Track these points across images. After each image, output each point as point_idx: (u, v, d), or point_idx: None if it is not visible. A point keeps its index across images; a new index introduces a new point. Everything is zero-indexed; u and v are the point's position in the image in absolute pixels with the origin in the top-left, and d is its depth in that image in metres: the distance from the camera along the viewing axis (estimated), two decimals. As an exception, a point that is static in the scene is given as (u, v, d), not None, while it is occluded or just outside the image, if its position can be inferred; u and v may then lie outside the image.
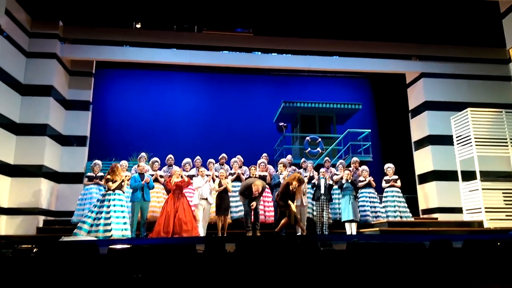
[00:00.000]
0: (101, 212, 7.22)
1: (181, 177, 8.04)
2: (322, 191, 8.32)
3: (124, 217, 7.39)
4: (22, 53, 9.62)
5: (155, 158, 8.96)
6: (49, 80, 9.84)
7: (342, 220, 8.32)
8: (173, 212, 7.71)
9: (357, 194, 8.54)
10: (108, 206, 7.27)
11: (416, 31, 11.29)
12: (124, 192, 7.67)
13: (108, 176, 7.51)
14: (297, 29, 11.29)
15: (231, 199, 8.51)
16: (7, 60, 8.98)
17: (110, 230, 7.06)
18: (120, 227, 7.22)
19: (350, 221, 8.17)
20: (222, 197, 8.04)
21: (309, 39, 11.38)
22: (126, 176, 7.96)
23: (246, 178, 8.45)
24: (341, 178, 8.74)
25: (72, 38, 10.60)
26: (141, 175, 8.05)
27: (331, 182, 8.50)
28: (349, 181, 8.33)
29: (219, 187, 8.09)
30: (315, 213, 8.45)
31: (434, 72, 11.43)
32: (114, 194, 7.44)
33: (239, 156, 9.31)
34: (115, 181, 7.47)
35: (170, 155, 9.31)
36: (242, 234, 7.93)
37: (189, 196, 8.28)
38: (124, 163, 8.80)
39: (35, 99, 9.63)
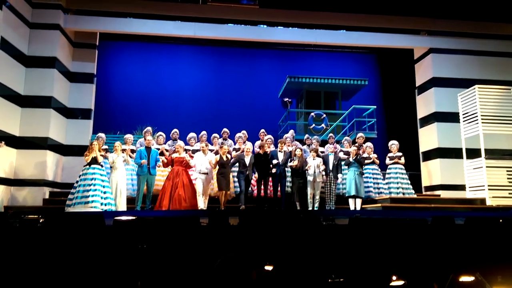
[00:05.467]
0: (79, 186, 7.42)
1: (185, 151, 8.09)
2: (330, 167, 8.30)
3: (103, 192, 7.49)
4: (25, 24, 9.51)
5: (160, 132, 8.98)
6: (53, 51, 9.77)
7: (346, 196, 8.35)
8: (170, 187, 7.77)
9: (363, 170, 8.52)
10: (85, 180, 7.43)
11: (425, 5, 11.03)
12: (102, 166, 7.73)
13: (86, 152, 7.69)
14: (304, 2, 11.05)
15: (233, 174, 8.55)
16: (10, 31, 8.88)
17: (89, 202, 7.22)
18: (99, 199, 7.32)
19: (354, 197, 8.21)
20: (223, 173, 8.01)
21: (316, 13, 11.15)
22: (102, 150, 8.07)
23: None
24: (349, 154, 8.74)
25: (75, 8, 10.43)
26: (148, 148, 8.10)
27: (338, 160, 8.48)
28: (354, 158, 8.32)
29: (218, 159, 8.04)
30: (323, 189, 8.47)
31: (443, 47, 11.21)
32: (90, 168, 7.53)
33: (244, 131, 9.29)
34: (88, 156, 7.61)
35: (176, 130, 9.32)
36: (246, 208, 8.05)
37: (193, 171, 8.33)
38: (129, 136, 8.83)
39: (39, 71, 9.58)
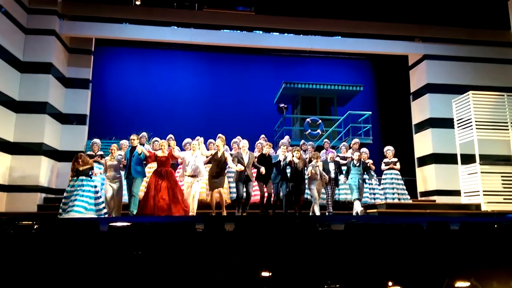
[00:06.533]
0: (68, 197, 7.28)
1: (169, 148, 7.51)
2: (332, 175, 8.14)
3: (87, 202, 7.23)
4: (20, 29, 9.49)
5: (156, 138, 8.93)
6: (48, 57, 9.74)
7: (353, 199, 8.09)
8: (153, 191, 7.18)
9: (363, 176, 8.24)
10: (71, 191, 7.27)
11: (420, 12, 11.14)
12: (91, 178, 7.47)
13: (75, 163, 7.46)
14: (299, 8, 11.12)
15: (230, 179, 8.38)
16: (5, 36, 8.87)
17: (71, 212, 7.05)
18: (81, 209, 7.12)
19: (357, 200, 7.97)
20: (217, 173, 7.40)
21: (311, 19, 11.22)
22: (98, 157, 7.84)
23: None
24: (346, 159, 8.66)
25: (70, 14, 10.45)
26: (132, 149, 7.53)
27: (339, 166, 8.28)
28: (359, 165, 8.08)
29: (213, 156, 7.43)
30: (322, 194, 8.27)
31: (437, 54, 11.30)
32: (78, 180, 7.34)
33: (239, 137, 9.28)
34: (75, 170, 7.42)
35: (171, 135, 9.27)
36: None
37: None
38: (124, 142, 8.78)
39: (35, 77, 9.55)
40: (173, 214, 7.08)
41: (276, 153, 8.77)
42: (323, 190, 8.22)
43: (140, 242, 4.20)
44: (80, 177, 7.39)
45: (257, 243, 4.36)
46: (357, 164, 8.15)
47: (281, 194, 7.79)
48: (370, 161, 9.02)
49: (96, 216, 7.24)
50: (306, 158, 8.43)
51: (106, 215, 7.43)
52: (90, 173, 7.54)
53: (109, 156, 7.77)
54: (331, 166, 8.24)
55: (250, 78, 14.22)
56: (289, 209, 7.81)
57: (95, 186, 7.53)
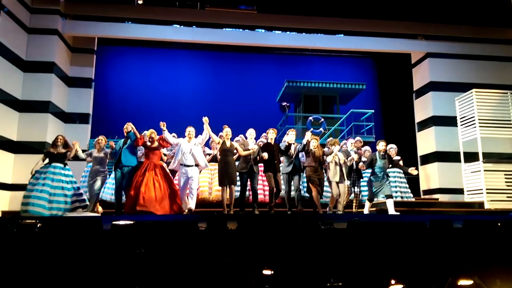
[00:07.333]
0: (31, 190, 6.58)
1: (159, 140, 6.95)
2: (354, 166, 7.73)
3: (52, 194, 6.51)
4: (23, 29, 9.52)
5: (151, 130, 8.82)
6: (51, 56, 9.77)
7: (367, 198, 7.78)
8: (143, 187, 6.54)
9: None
10: (37, 178, 6.60)
11: (422, 10, 11.10)
12: (65, 166, 6.76)
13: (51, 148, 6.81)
14: (302, 6, 11.11)
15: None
16: (8, 36, 8.90)
17: (27, 204, 6.38)
18: (41, 203, 6.40)
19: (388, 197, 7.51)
20: (227, 162, 6.90)
21: (314, 17, 11.20)
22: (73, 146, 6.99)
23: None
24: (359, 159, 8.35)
25: (73, 14, 10.47)
26: (126, 138, 7.06)
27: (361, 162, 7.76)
28: (384, 156, 7.44)
29: (221, 145, 6.95)
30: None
31: (440, 52, 11.26)
32: (49, 167, 6.69)
33: (241, 136, 9.27)
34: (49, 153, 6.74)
35: (174, 134, 9.29)
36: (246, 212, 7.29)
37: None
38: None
39: (37, 76, 9.58)
40: (167, 212, 6.62)
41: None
42: (327, 189, 7.85)
43: (143, 241, 4.22)
44: (53, 164, 6.68)
45: (259, 241, 4.36)
46: (384, 156, 7.54)
47: (285, 188, 7.24)
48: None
49: (67, 213, 6.60)
50: (334, 146, 7.69)
51: (85, 212, 6.80)
52: (65, 161, 6.81)
53: (96, 148, 7.27)
54: (352, 155, 7.84)
55: (253, 77, 14.21)
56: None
57: (72, 176, 6.86)
